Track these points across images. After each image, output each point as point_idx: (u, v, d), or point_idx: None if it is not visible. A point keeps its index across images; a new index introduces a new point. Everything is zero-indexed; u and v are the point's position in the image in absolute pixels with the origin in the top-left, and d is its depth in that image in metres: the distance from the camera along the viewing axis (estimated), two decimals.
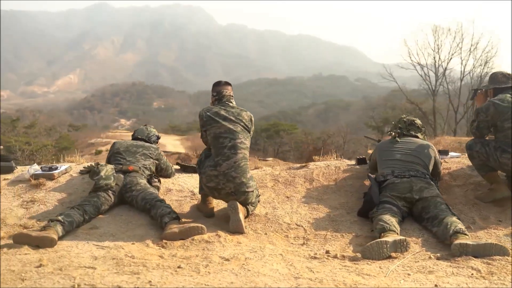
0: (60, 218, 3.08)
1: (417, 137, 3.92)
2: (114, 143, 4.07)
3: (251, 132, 3.45)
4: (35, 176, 4.02)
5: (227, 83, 3.60)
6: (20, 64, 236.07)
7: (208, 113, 3.39)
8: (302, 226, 3.32)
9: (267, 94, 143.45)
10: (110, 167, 3.58)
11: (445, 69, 32.23)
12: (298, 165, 4.47)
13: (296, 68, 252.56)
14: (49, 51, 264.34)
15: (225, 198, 3.31)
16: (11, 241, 2.99)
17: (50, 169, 4.10)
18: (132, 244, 2.96)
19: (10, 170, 4.23)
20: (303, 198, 3.80)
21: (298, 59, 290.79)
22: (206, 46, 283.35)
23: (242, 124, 3.36)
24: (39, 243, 2.84)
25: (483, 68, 31.87)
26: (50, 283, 2.28)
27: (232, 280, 2.33)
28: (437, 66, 32.79)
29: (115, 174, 3.58)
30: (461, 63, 31.60)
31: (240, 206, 3.20)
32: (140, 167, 3.79)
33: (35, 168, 4.14)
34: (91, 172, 3.54)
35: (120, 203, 3.62)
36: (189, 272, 2.48)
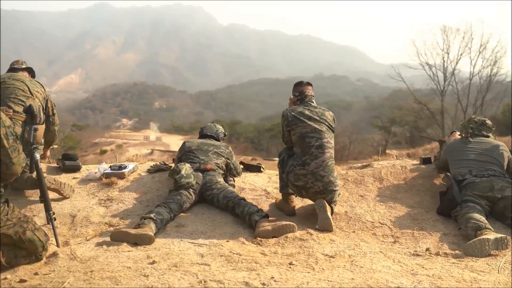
0: (152, 215, 3.12)
1: (489, 137, 3.95)
2: (184, 142, 4.11)
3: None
4: (106, 175, 4.06)
5: (309, 83, 3.65)
6: None
7: (293, 113, 3.43)
8: (386, 224, 3.37)
9: (268, 94, 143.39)
10: (188, 165, 3.62)
11: (454, 68, 32.28)
12: (360, 164, 4.52)
13: (296, 68, 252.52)
14: (50, 51, 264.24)
15: (312, 197, 3.35)
16: (101, 239, 3.03)
17: (120, 168, 4.14)
18: (227, 241, 3.00)
19: (77, 169, 4.27)
20: (377, 197, 3.85)
21: (299, 59, 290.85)
22: (206, 46, 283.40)
23: (326, 123, 3.41)
24: (137, 241, 2.89)
25: (492, 68, 31.94)
26: (175, 279, 2.33)
27: (351, 276, 2.37)
28: (445, 66, 32.83)
29: (194, 172, 3.61)
30: (471, 63, 31.66)
31: (327, 205, 3.25)
32: (216, 166, 3.84)
33: (104, 167, 4.18)
34: (172, 170, 3.58)
35: (199, 201, 3.66)
36: (304, 269, 2.53)
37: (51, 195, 3.51)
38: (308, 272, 2.45)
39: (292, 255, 2.76)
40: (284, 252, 2.81)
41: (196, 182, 3.58)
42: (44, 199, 3.02)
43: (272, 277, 2.34)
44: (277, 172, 4.37)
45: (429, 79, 34.57)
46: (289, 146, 3.55)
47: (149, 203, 3.70)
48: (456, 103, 33.48)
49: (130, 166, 4.23)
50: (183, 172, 3.53)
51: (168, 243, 2.96)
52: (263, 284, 2.25)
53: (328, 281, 2.31)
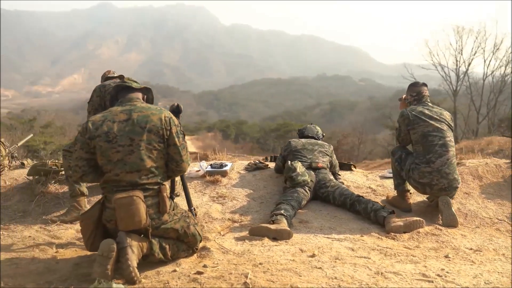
0: (282, 212, 3.21)
1: None
2: (289, 141, 4.20)
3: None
4: (210, 173, 4.14)
5: (424, 84, 3.74)
6: (25, 64, 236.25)
7: (413, 113, 3.52)
8: (504, 220, 3.45)
9: (271, 94, 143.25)
10: (300, 164, 3.71)
11: (467, 68, 32.27)
12: None
13: (299, 68, 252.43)
14: (53, 51, 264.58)
15: (436, 194, 3.44)
16: (235, 234, 3.11)
17: (221, 166, 4.23)
18: (361, 236, 3.08)
19: None
20: (482, 194, 3.95)
21: (301, 59, 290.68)
22: (209, 46, 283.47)
23: (446, 123, 3.50)
24: (277, 235, 2.99)
25: (505, 69, 31.92)
26: (350, 270, 2.43)
27: None
28: (458, 66, 32.81)
29: (306, 171, 3.70)
30: (484, 62, 31.64)
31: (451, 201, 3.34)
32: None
33: (205, 165, 4.27)
34: (287, 168, 3.67)
35: (312, 198, 3.74)
36: (463, 261, 2.61)
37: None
38: (471, 265, 2.53)
39: (436, 249, 2.85)
40: (426, 246, 2.90)
41: (310, 180, 3.67)
42: (186, 195, 3.11)
43: (442, 269, 2.43)
44: (363, 171, 4.46)
45: (435, 79, 34.60)
46: (404, 145, 3.63)
47: (262, 200, 3.79)
48: (469, 103, 33.47)
49: (229, 164, 4.32)
50: (298, 170, 3.62)
51: (305, 238, 3.05)
52: (438, 275, 2.33)
53: (499, 272, 2.39)
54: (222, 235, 3.14)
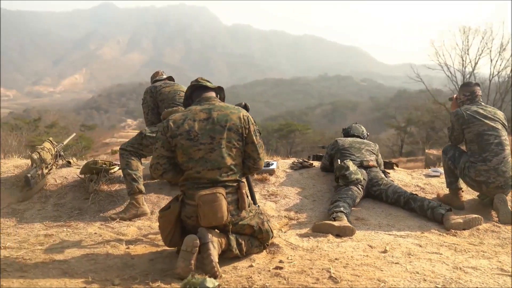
0: (342, 209, 3.26)
1: None
2: (336, 140, 4.25)
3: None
4: (258, 172, 4.19)
5: (477, 84, 3.80)
6: (26, 64, 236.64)
7: (468, 112, 3.58)
8: None
9: (273, 94, 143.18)
10: (351, 162, 3.76)
11: (473, 68, 32.29)
12: None
13: (301, 68, 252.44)
14: (54, 51, 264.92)
15: (492, 192, 3.49)
16: (296, 230, 3.16)
17: (268, 165, 4.28)
18: (422, 233, 3.14)
19: None
20: None
21: (303, 59, 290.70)
22: (211, 46, 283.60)
23: (500, 122, 3.56)
24: (340, 232, 3.04)
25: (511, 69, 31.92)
26: (429, 265, 2.47)
27: None
28: (464, 66, 32.84)
29: (358, 169, 3.76)
30: (491, 62, 31.66)
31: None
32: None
33: None
34: (339, 167, 3.72)
35: (364, 197, 3.79)
36: None
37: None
38: None
39: (501, 245, 2.90)
40: (490, 243, 2.95)
41: (363, 178, 3.72)
42: (250, 193, 3.16)
43: None
44: (405, 170, 4.51)
45: (436, 79, 34.65)
46: (456, 143, 3.68)
47: (314, 198, 3.85)
48: None
49: (275, 163, 4.37)
50: (351, 168, 3.67)
51: (367, 235, 3.11)
52: None
53: None
54: (284, 232, 3.19)
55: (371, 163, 3.92)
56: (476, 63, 33.29)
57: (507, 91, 31.99)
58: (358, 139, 4.27)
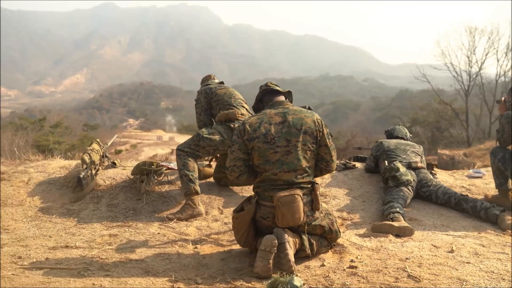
0: (398, 210, 3.33)
1: None
2: (381, 142, 4.32)
3: None
4: None
5: None
6: (28, 64, 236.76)
7: None
8: None
9: None
10: (400, 164, 3.83)
11: (480, 68, 32.37)
12: None
13: (302, 68, 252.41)
14: (55, 51, 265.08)
15: None
16: (354, 231, 3.24)
17: None
18: (479, 233, 3.21)
19: None
20: None
21: (304, 59, 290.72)
22: (212, 46, 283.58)
23: None
24: (400, 232, 3.12)
25: None
26: (501, 265, 2.53)
27: None
28: (470, 65, 32.93)
29: (407, 170, 3.83)
30: (497, 63, 31.76)
31: None
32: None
33: None
34: (389, 168, 3.80)
35: (414, 197, 3.86)
36: None
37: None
38: None
39: None
40: None
41: (413, 180, 3.79)
42: None
43: None
44: (446, 171, 4.58)
45: (437, 79, 34.76)
46: (505, 145, 3.75)
47: (364, 199, 3.92)
48: (481, 102, 33.57)
49: None
50: (402, 170, 3.74)
51: (426, 235, 3.18)
52: None
53: None
54: (342, 232, 3.26)
55: (419, 165, 3.98)
56: (482, 63, 33.37)
57: None
58: (403, 141, 4.34)
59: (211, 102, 4.02)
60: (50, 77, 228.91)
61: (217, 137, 3.75)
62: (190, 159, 3.70)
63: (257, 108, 2.95)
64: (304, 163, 2.64)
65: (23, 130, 32.29)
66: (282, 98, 2.88)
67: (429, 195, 3.81)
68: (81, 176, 3.99)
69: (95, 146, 4.41)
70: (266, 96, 2.89)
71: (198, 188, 3.64)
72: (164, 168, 4.30)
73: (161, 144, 60.96)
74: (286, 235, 2.54)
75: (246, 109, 4.02)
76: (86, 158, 4.12)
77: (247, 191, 4.10)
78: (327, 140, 2.73)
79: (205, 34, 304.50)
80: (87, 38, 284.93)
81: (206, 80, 4.39)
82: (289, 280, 2.23)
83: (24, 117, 44.46)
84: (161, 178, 4.17)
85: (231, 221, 3.47)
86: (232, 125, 3.82)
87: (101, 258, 2.74)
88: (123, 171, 4.45)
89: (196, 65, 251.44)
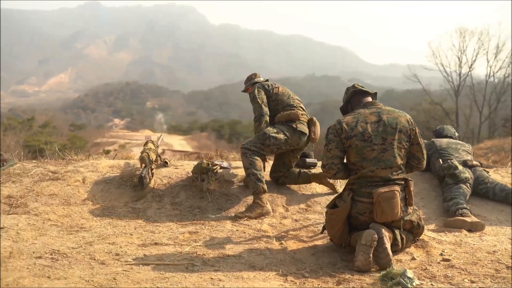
0: (465, 205, 3.46)
1: None
2: (432, 141, 4.47)
3: None
4: None
5: None
6: (12, 63, 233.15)
7: None
8: None
9: None
10: (457, 162, 3.96)
11: (470, 68, 32.94)
12: None
13: (289, 68, 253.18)
14: (40, 50, 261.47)
15: None
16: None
17: None
18: None
19: (314, 165, 4.52)
20: None
21: (291, 59, 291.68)
22: (199, 45, 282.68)
23: None
24: (472, 227, 3.27)
25: (506, 70, 32.67)
26: None
27: None
28: (460, 65, 33.48)
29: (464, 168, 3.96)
30: (487, 63, 32.35)
31: None
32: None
33: None
34: (448, 166, 3.94)
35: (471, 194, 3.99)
36: None
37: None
38: None
39: None
40: None
41: (470, 177, 3.93)
42: None
43: None
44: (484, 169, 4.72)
45: (424, 79, 35.35)
46: None
47: (422, 196, 4.06)
48: (471, 103, 34.16)
49: None
50: (460, 168, 3.88)
51: (495, 229, 3.36)
52: None
53: None
54: None
55: (475, 163, 4.12)
56: (472, 64, 33.96)
57: (505, 91, 32.69)
58: (452, 140, 4.48)
59: (269, 101, 4.06)
60: (34, 76, 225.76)
61: (282, 136, 3.82)
62: (256, 157, 3.77)
63: (346, 109, 3.05)
64: (399, 161, 2.75)
65: (11, 130, 31.86)
66: (370, 98, 2.98)
67: (486, 192, 3.95)
68: (143, 175, 4.04)
69: (151, 145, 4.46)
70: (355, 97, 2.99)
71: (265, 187, 3.71)
72: (219, 168, 4.36)
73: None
74: (383, 230, 2.64)
75: (302, 108, 4.11)
76: (146, 157, 4.17)
77: (305, 189, 4.20)
78: (419, 139, 2.84)
79: (192, 33, 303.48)
80: (72, 37, 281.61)
81: (252, 78, 4.43)
82: (402, 272, 2.34)
83: (12, 117, 43.91)
84: (218, 175, 4.24)
85: (299, 218, 3.60)
86: (294, 125, 3.90)
87: (199, 254, 2.80)
88: (176, 170, 4.50)
89: (183, 64, 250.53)
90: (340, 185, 4.13)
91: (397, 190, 2.65)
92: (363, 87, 3.03)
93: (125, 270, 2.49)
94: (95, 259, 2.68)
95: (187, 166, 4.59)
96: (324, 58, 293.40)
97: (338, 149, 2.81)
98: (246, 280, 2.40)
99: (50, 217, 3.58)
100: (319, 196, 4.07)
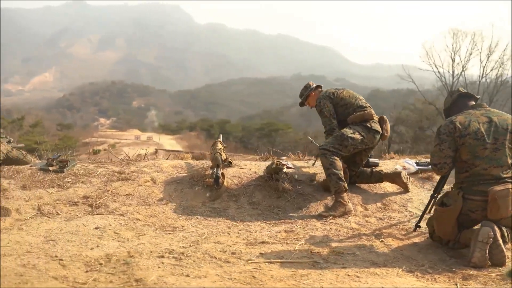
0: None
1: None
2: None
3: None
4: (422, 170, 4.50)
5: None
6: None
7: None
8: None
9: (248, 93, 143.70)
10: None
11: (463, 69, 33.53)
12: None
13: (275, 67, 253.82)
14: (24, 48, 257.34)
15: None
16: None
17: (427, 164, 4.56)
18: None
19: (376, 165, 4.63)
20: None
21: (278, 59, 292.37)
22: (186, 44, 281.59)
23: None
24: None
25: (498, 70, 33.34)
26: None
27: None
28: (454, 65, 34.06)
29: None
30: (480, 64, 32.95)
31: None
32: None
33: (410, 163, 4.61)
34: None
35: None
36: None
37: None
38: None
39: None
40: None
41: None
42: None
43: None
44: None
45: (417, 79, 36.01)
46: None
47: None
48: None
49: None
50: None
51: None
52: None
53: None
54: None
55: None
56: (465, 64, 34.55)
57: (498, 91, 33.37)
58: None
59: (337, 107, 4.17)
60: (18, 75, 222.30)
61: (358, 136, 3.92)
62: (336, 158, 3.86)
63: (450, 112, 3.17)
64: (509, 160, 2.87)
65: (2, 129, 31.40)
66: (473, 101, 3.10)
67: None
68: (218, 175, 4.09)
69: (220, 145, 4.52)
70: (461, 99, 3.11)
71: (347, 186, 3.80)
72: (285, 168, 4.44)
73: (140, 143, 60.25)
74: (496, 227, 2.74)
75: (370, 107, 4.21)
76: (219, 157, 4.23)
77: (376, 188, 4.30)
78: None
79: (177, 33, 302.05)
80: (56, 35, 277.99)
81: (308, 88, 4.58)
82: None
83: (2, 117, 43.25)
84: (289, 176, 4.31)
85: (382, 216, 3.68)
86: (368, 125, 3.99)
87: (313, 253, 2.87)
88: (242, 170, 4.55)
89: (169, 64, 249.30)
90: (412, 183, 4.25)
91: (510, 188, 2.76)
92: (467, 91, 3.16)
93: (256, 268, 2.55)
94: (216, 258, 2.72)
95: (252, 166, 4.65)
96: (311, 58, 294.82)
97: (451, 149, 2.92)
98: (382, 276, 2.48)
99: (137, 217, 3.61)
100: (393, 195, 4.17)
